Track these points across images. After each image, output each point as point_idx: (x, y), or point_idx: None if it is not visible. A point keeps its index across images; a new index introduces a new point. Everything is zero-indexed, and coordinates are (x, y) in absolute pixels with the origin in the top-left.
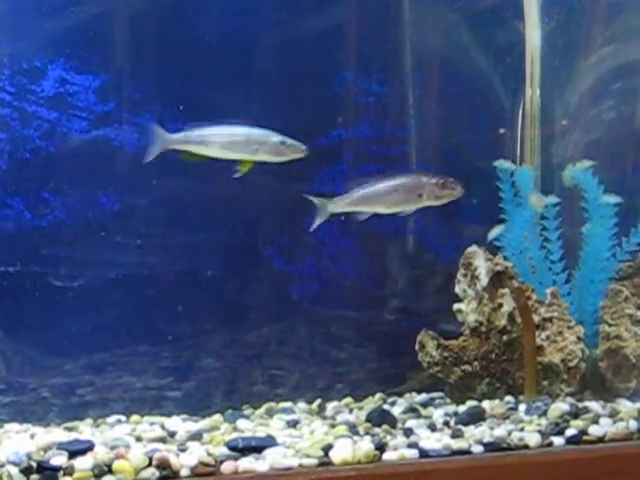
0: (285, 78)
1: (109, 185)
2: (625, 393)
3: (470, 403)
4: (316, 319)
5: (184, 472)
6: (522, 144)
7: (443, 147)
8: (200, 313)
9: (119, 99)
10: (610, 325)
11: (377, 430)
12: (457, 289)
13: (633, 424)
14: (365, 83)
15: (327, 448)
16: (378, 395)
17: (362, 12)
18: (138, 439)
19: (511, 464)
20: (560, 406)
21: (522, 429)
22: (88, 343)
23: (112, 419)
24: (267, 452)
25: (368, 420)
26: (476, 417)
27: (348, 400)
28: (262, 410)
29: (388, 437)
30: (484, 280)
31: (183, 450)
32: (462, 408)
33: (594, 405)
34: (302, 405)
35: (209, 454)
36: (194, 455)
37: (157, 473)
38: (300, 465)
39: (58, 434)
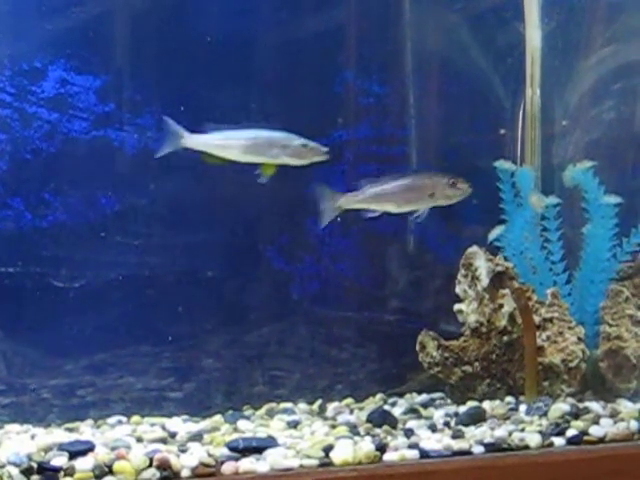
0: (285, 78)
1: (109, 186)
2: (626, 393)
3: (471, 404)
4: (317, 319)
5: (185, 473)
6: (522, 144)
7: (443, 147)
8: (200, 314)
9: (119, 100)
10: (611, 326)
11: (378, 431)
12: (458, 290)
13: (634, 424)
14: (365, 83)
15: (328, 449)
16: (379, 396)
17: (362, 12)
18: (139, 440)
19: (512, 465)
20: (561, 407)
21: (523, 430)
22: (89, 344)
23: (113, 420)
24: (268, 453)
25: (369, 421)
26: (477, 418)
27: (349, 401)
28: (263, 411)
29: (389, 438)
30: (485, 281)
31: (184, 451)
32: (463, 409)
33: (595, 406)
34: (303, 406)
35: (210, 455)
36: (195, 456)
37: (158, 474)
38: (301, 466)
39: (59, 435)
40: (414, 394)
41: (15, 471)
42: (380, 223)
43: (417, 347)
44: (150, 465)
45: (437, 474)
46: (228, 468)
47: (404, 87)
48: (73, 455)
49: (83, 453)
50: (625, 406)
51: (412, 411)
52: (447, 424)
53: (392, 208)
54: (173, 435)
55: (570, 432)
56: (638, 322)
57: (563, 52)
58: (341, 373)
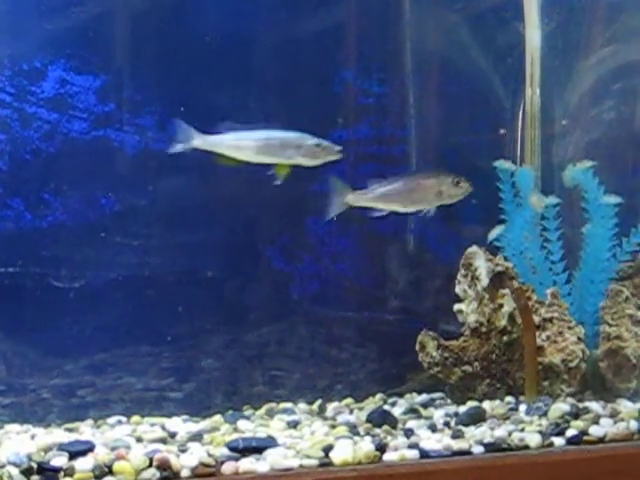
0: (285, 78)
1: (109, 186)
2: (626, 393)
3: (470, 404)
4: (316, 319)
5: (184, 473)
6: (522, 144)
7: (443, 147)
8: (200, 314)
9: (119, 100)
10: (610, 325)
11: (377, 431)
12: (457, 289)
13: (634, 424)
14: (365, 83)
15: (327, 449)
16: (378, 396)
17: (362, 12)
18: (139, 440)
19: (512, 464)
20: (560, 406)
21: (522, 429)
22: (88, 344)
23: (113, 420)
24: (268, 453)
25: (368, 421)
26: (476, 418)
27: (348, 401)
28: (262, 411)
29: (389, 438)
30: (484, 280)
31: (184, 451)
32: (462, 409)
33: (594, 405)
34: (302, 406)
35: (210, 455)
36: (194, 456)
37: (157, 474)
38: (300, 466)
39: (58, 435)
40: (414, 394)
41: (15, 471)
42: (380, 223)
43: (417, 347)
44: (150, 465)
45: (437, 474)
46: (228, 468)
47: (404, 87)
48: (73, 455)
49: (83, 453)
50: (625, 406)
51: (412, 411)
52: (447, 424)
53: (399, 207)
54: (173, 435)
55: (570, 432)
56: (638, 322)
57: (563, 52)
58: (341, 373)
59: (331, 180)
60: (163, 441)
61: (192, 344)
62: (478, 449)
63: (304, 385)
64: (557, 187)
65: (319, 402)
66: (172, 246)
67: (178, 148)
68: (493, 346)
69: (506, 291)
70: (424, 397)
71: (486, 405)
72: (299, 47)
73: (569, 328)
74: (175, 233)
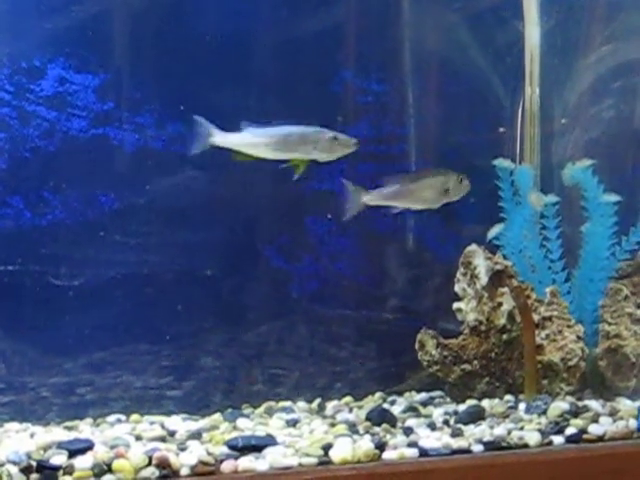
0: (284, 77)
1: (108, 184)
2: (625, 392)
3: (470, 402)
4: (316, 318)
5: (184, 471)
6: (522, 143)
7: (443, 146)
8: (199, 312)
9: (118, 98)
10: (610, 324)
11: (377, 429)
12: (457, 288)
13: (633, 423)
14: (364, 82)
15: (327, 447)
16: (378, 394)
17: (361, 11)
18: (138, 438)
19: (511, 463)
20: (560, 405)
21: (522, 428)
22: (88, 342)
23: (112, 418)
24: (267, 451)
25: (368, 419)
26: (476, 416)
27: (348, 399)
28: (262, 409)
29: (388, 436)
30: (484, 279)
31: (183, 449)
32: (462, 407)
33: (594, 404)
34: (302, 404)
35: (209, 453)
36: (194, 454)
37: (157, 472)
38: (300, 464)
39: (58, 433)
40: (413, 392)
41: (14, 469)
42: (379, 222)
43: (416, 345)
44: (149, 463)
45: (436, 472)
46: (227, 466)
47: (403, 86)
48: (72, 453)
49: (82, 451)
50: (624, 404)
51: (411, 409)
52: (446, 422)
53: (412, 205)
54: (172, 433)
55: (569, 430)
56: (637, 320)
57: (562, 50)
58: (340, 372)
59: (343, 183)
60: (162, 439)
61: (191, 342)
62: (477, 447)
63: (303, 384)
64: (556, 185)
65: (318, 400)
66: (171, 244)
67: (198, 147)
68: (492, 344)
69: (505, 290)
70: (423, 396)
71: (485, 403)
72: (298, 46)
73: (568, 327)
74: (174, 231)
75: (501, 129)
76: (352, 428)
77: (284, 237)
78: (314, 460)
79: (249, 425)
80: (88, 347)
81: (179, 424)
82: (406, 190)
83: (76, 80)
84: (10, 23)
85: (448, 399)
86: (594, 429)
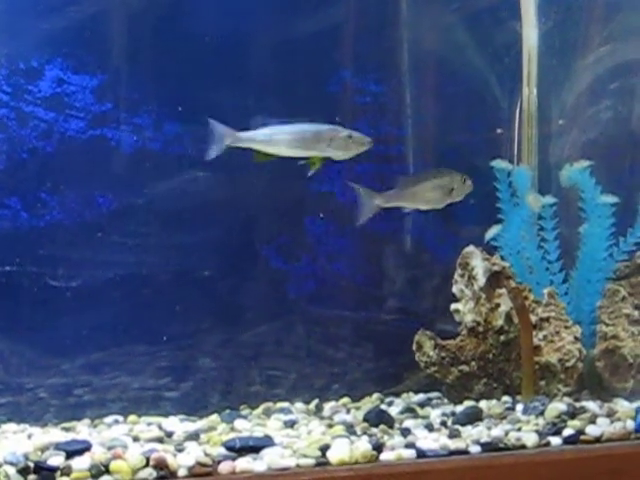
0: (282, 78)
1: (106, 185)
2: (622, 393)
3: (467, 403)
4: (313, 319)
5: (181, 472)
6: (519, 144)
7: (440, 147)
8: (197, 313)
9: (116, 99)
10: (607, 325)
11: (374, 430)
12: (454, 289)
13: (630, 424)
14: (362, 82)
15: (324, 448)
16: (375, 395)
17: (359, 11)
18: (135, 439)
19: (508, 464)
20: (557, 406)
21: (519, 429)
22: (85, 343)
23: (109, 419)
24: (264, 452)
25: (365, 420)
26: (473, 417)
27: (345, 400)
28: (259, 410)
29: (385, 437)
30: (481, 280)
31: (180, 450)
32: (459, 408)
33: (591, 405)
34: (299, 405)
35: (206, 454)
36: (191, 455)
37: (154, 473)
38: (297, 465)
39: (55, 434)
40: (411, 393)
41: (12, 470)
42: (377, 223)
43: (414, 346)
44: (147, 464)
45: (434, 473)
46: (225, 467)
47: (401, 86)
48: (70, 454)
49: (80, 452)
50: (622, 405)
51: (409, 410)
52: (444, 423)
53: (419, 205)
54: (170, 434)
55: (567, 431)
56: (635, 321)
57: (560, 51)
58: (338, 372)
59: (355, 188)
60: (160, 440)
61: (189, 343)
62: (475, 449)
63: (301, 384)
64: (554, 187)
65: (316, 401)
66: (169, 245)
67: (214, 151)
68: (490, 346)
69: (503, 291)
70: (421, 397)
71: (483, 405)
72: (297, 47)
73: (566, 328)
74: (172, 232)
75: (499, 130)
76: (350, 429)
77: (282, 238)
78: (312, 461)
79: (247, 426)
80: (86, 348)
81: (177, 425)
82: (415, 191)
83: (74, 81)
84: (8, 24)
85: (445, 400)
86: (592, 430)
